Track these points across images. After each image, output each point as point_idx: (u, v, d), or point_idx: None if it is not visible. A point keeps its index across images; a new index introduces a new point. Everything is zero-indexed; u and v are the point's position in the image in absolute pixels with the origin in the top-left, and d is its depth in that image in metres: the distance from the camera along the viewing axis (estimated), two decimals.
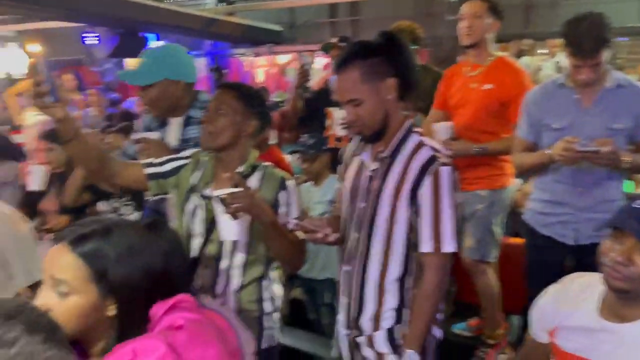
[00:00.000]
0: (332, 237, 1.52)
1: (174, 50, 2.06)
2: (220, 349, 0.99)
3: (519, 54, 6.52)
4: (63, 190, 3.10)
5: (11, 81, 7.86)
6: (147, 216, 2.36)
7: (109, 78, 8.37)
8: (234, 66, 8.72)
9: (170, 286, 1.08)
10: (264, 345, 1.75)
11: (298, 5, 8.90)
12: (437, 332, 1.60)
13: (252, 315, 1.75)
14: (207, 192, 1.69)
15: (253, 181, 1.70)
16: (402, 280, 1.55)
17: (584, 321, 1.29)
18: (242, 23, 7.23)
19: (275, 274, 1.83)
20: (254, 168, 1.73)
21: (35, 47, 6.41)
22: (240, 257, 1.71)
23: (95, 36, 6.60)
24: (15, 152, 3.21)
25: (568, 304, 1.34)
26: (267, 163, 1.80)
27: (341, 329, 1.68)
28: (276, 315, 1.81)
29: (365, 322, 1.59)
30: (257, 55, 8.27)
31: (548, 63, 6.47)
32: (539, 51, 7.17)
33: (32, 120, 6.37)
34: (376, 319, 1.58)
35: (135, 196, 2.87)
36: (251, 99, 1.73)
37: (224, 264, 1.70)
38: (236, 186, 1.53)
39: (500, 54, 2.54)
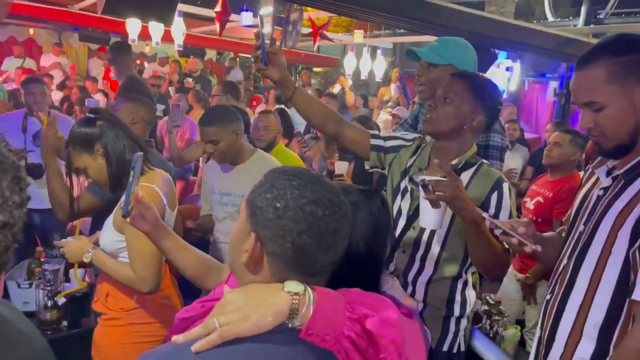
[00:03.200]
0: (529, 248, 1.31)
1: (465, 45, 2.09)
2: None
3: None
4: None
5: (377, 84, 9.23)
6: None
7: None
8: None
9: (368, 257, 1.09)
10: (445, 347, 1.66)
11: None
12: None
13: (438, 313, 1.68)
14: (417, 178, 1.67)
15: (464, 176, 1.61)
16: (606, 328, 1.23)
17: None
18: None
19: (473, 278, 1.70)
20: (470, 163, 1.64)
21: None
22: (435, 250, 1.65)
23: None
24: None
25: None
26: (484, 161, 1.68)
27: None
28: (465, 322, 1.68)
29: None
30: None
31: None
32: None
33: (382, 118, 7.38)
34: None
35: None
36: (483, 92, 1.62)
37: (419, 253, 1.68)
38: (444, 176, 1.48)
39: None
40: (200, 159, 3.74)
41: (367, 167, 1.88)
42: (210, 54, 12.24)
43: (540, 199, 3.16)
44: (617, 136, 1.24)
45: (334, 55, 11.25)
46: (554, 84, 7.82)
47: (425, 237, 1.66)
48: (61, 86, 8.27)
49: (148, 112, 2.70)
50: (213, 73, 11.38)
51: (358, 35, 7.02)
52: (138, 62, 10.07)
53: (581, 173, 3.37)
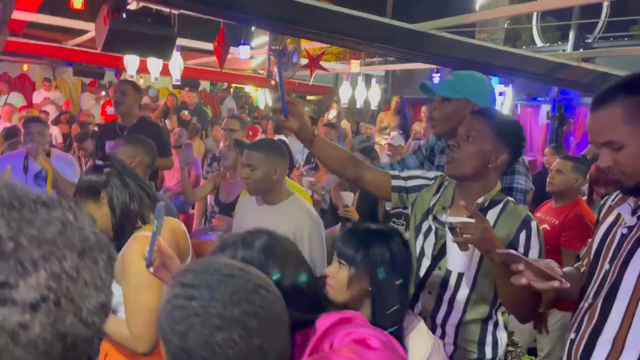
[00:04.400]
0: (557, 283, 1.25)
1: (480, 79, 2.04)
2: None
3: None
4: None
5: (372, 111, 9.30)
6: None
7: None
8: (582, 116, 8.01)
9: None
10: None
11: None
12: None
13: (470, 356, 1.65)
14: (442, 217, 1.65)
15: (491, 215, 1.59)
16: None
17: None
18: (593, 70, 6.58)
19: (504, 318, 1.68)
20: (495, 201, 1.62)
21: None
22: (464, 292, 1.63)
23: (439, 76, 7.08)
24: None
25: None
26: (510, 198, 1.65)
27: None
28: None
29: None
30: None
31: None
32: None
33: (382, 142, 7.46)
34: None
35: None
36: (505, 129, 1.61)
37: (447, 294, 1.65)
38: (471, 217, 1.46)
39: None
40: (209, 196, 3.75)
41: (388, 208, 1.86)
42: (204, 84, 12.33)
43: (546, 226, 3.17)
44: (638, 174, 1.25)
45: (325, 82, 11.36)
46: (546, 108, 7.92)
47: (452, 278, 1.63)
48: (56, 121, 8.26)
49: (146, 154, 2.64)
50: (207, 104, 11.46)
51: (355, 65, 7.11)
52: None
53: (585, 198, 3.41)
